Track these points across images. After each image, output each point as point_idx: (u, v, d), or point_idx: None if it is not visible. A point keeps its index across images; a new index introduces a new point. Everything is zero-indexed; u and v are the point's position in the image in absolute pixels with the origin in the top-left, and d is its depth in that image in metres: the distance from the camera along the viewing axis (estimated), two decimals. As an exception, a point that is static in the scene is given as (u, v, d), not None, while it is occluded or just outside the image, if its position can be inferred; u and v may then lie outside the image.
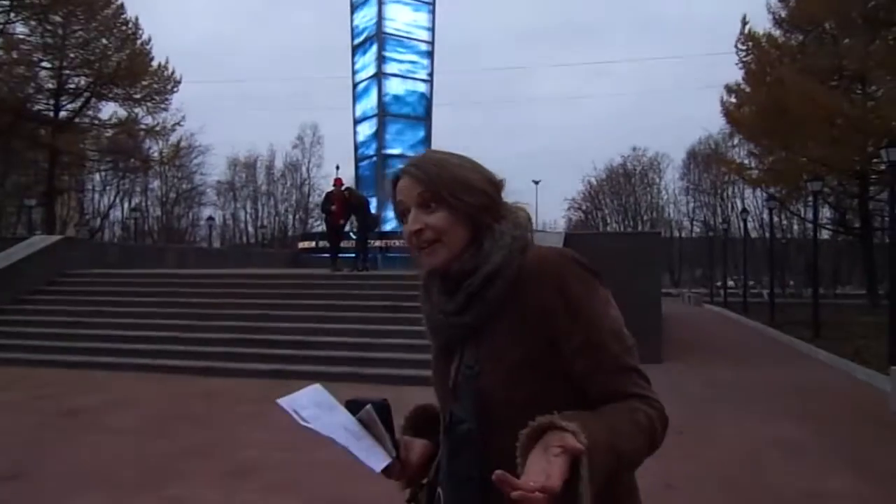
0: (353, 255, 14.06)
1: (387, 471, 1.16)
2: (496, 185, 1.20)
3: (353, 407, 1.19)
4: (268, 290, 12.22)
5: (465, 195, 1.15)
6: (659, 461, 4.45)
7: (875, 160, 14.46)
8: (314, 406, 1.20)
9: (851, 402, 7.83)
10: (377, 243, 16.81)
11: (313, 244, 18.95)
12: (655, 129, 71.33)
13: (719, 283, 31.34)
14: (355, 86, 20.75)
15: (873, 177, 20.53)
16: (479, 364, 1.12)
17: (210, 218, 36.79)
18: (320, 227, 14.80)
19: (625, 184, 54.13)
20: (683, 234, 52.44)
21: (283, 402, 1.19)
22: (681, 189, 52.54)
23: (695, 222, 52.04)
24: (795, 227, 41.93)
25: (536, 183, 52.60)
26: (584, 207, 56.26)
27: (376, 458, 1.14)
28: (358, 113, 20.62)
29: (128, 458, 5.25)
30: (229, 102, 73.10)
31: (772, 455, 5.47)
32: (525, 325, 1.09)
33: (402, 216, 1.21)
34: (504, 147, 75.72)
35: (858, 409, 7.42)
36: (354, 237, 14.09)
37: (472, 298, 1.13)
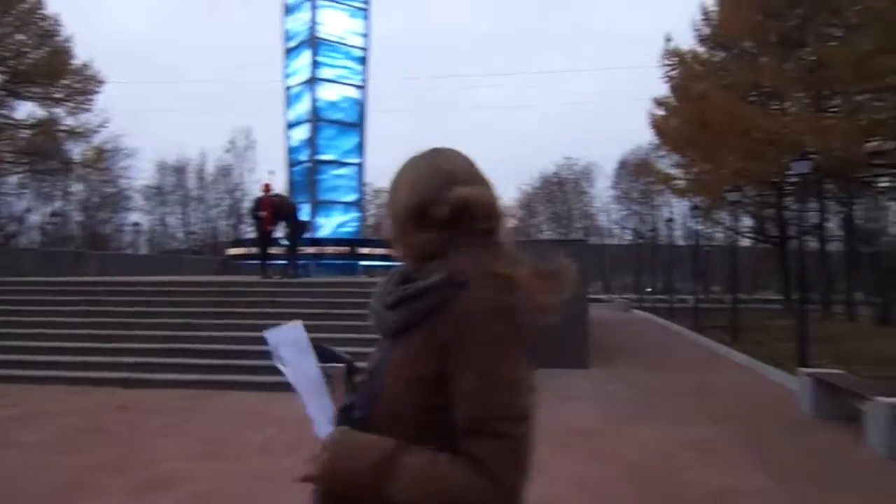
0: (284, 261, 13.84)
1: None
2: (421, 210, 1.19)
3: (323, 355, 1.24)
4: (194, 298, 11.89)
5: (398, 209, 1.22)
6: (575, 464, 4.58)
7: (788, 172, 15.26)
8: (292, 345, 1.23)
9: (763, 402, 8.22)
10: (310, 250, 16.59)
11: (244, 251, 18.55)
12: (588, 139, 73.17)
13: (649, 289, 32.37)
14: (288, 90, 20.49)
15: (788, 188, 21.64)
16: (387, 362, 1.17)
17: (136, 223, 35.53)
18: (252, 233, 14.55)
19: (558, 192, 55.29)
20: (615, 242, 53.90)
21: (270, 335, 1.24)
22: (612, 198, 54.04)
23: (625, 230, 53.58)
24: (718, 234, 43.82)
25: (472, 190, 52.90)
26: (519, 215, 56.97)
27: (324, 424, 1.17)
28: (291, 117, 20.34)
29: (38, 475, 5.01)
30: (157, 104, 70.81)
31: (685, 454, 5.69)
32: (427, 349, 1.12)
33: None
34: (441, 154, 75.77)
35: (769, 409, 7.79)
36: (285, 244, 13.87)
37: (402, 302, 1.17)
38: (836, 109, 16.73)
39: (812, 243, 26.74)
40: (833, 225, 27.39)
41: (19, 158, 28.73)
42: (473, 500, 1.03)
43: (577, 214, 55.51)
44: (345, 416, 1.18)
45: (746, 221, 33.44)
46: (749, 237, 33.07)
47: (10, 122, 26.29)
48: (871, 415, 5.86)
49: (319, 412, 1.18)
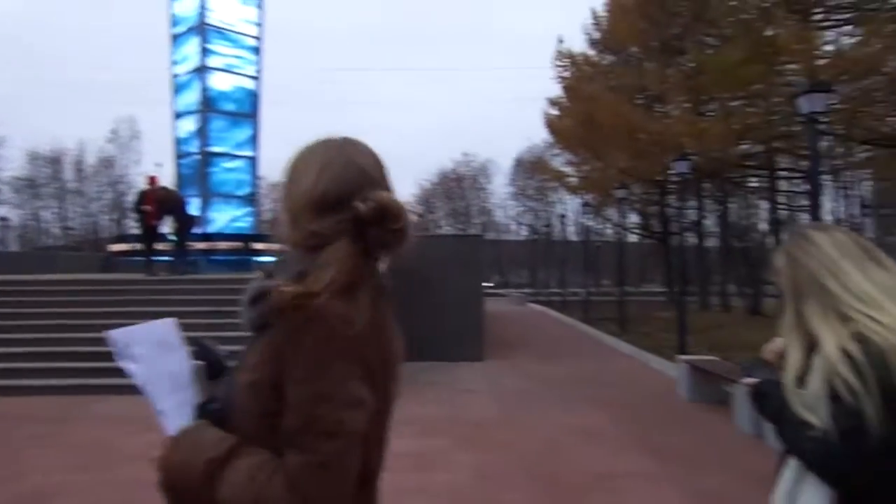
0: (172, 258, 13.21)
1: None
2: (327, 199, 1.13)
3: (200, 353, 1.22)
4: (71, 298, 11.12)
5: (289, 201, 1.18)
6: (474, 455, 4.68)
7: (670, 171, 16.19)
8: (152, 344, 1.18)
9: (646, 389, 8.70)
10: (200, 246, 15.91)
11: (128, 247, 17.53)
12: (486, 136, 74.55)
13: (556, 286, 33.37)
14: (175, 78, 19.50)
15: (670, 186, 22.96)
16: (242, 360, 1.16)
17: (4, 218, 32.76)
18: (137, 228, 13.69)
19: (456, 188, 56.02)
20: (511, 238, 55.29)
21: (119, 333, 1.17)
22: (509, 194, 55.37)
23: (522, 226, 55.05)
24: (609, 230, 45.88)
25: (372, 186, 52.66)
26: (417, 211, 57.31)
27: (178, 420, 1.14)
28: (179, 107, 19.39)
29: None
30: (29, 90, 65.56)
31: (572, 440, 5.95)
32: (268, 353, 1.08)
33: None
34: (340, 149, 74.83)
35: (651, 395, 8.26)
36: (173, 239, 13.23)
37: (255, 300, 1.16)
38: (712, 114, 17.90)
39: (692, 239, 28.61)
40: (710, 222, 29.37)
41: None
42: None
43: (475, 210, 56.49)
44: (201, 409, 1.17)
45: (633, 218, 35.28)
46: (636, 233, 34.87)
47: None
48: (739, 397, 6.34)
49: (176, 409, 1.15)
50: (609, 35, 25.24)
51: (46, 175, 47.19)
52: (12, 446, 5.81)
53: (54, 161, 46.99)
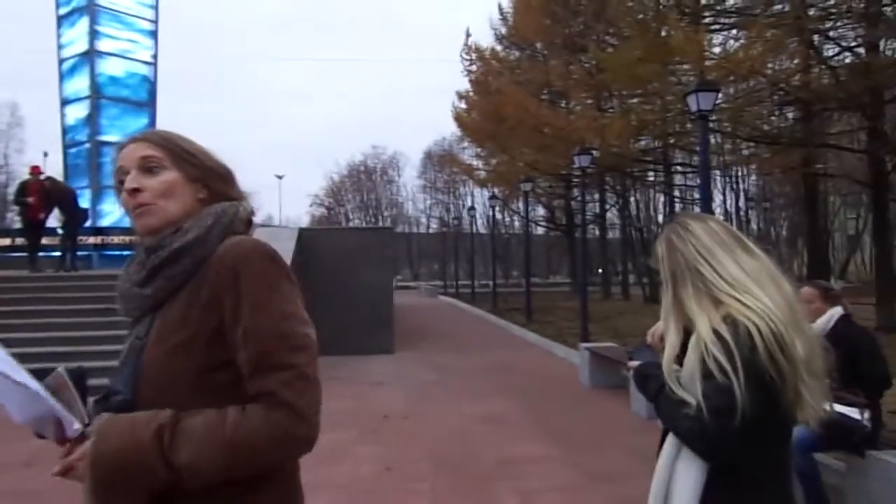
0: (60, 252, 12.39)
1: (73, 444, 1.09)
2: (224, 170, 1.24)
3: (42, 376, 1.09)
4: (-57, 297, 10.23)
5: (196, 160, 1.19)
6: (380, 447, 4.65)
7: (573, 165, 16.69)
8: None
9: (550, 376, 8.96)
10: (91, 240, 15.01)
11: (10, 241, 16.29)
12: (395, 129, 74.37)
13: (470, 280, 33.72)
14: (62, 62, 18.21)
15: (574, 180, 23.71)
16: (147, 337, 1.12)
17: None
18: (19, 221, 12.71)
19: (366, 181, 55.59)
20: (422, 230, 55.47)
21: None
22: (418, 187, 55.48)
23: (432, 218, 55.34)
24: (516, 223, 46.88)
25: (280, 178, 51.49)
26: (327, 203, 56.56)
27: (72, 426, 1.07)
28: (66, 93, 18.10)
29: None
30: None
31: (478, 429, 6.05)
32: (196, 308, 1.09)
33: (120, 183, 1.18)
34: (244, 139, 72.76)
35: (555, 382, 8.51)
36: (61, 233, 12.41)
37: (156, 272, 1.13)
38: (612, 110, 18.60)
39: (595, 231, 29.70)
40: (612, 214, 30.58)
41: None
42: (278, 433, 1.02)
43: (385, 203, 56.26)
44: (104, 404, 1.11)
45: (540, 211, 36.24)
46: (542, 225, 35.83)
47: None
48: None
49: (51, 420, 1.08)
50: (515, 30, 25.74)
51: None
52: None
53: (-77, 148, 43.00)
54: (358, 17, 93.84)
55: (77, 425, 1.08)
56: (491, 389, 7.99)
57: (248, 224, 1.23)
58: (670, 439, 1.43)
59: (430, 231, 54.31)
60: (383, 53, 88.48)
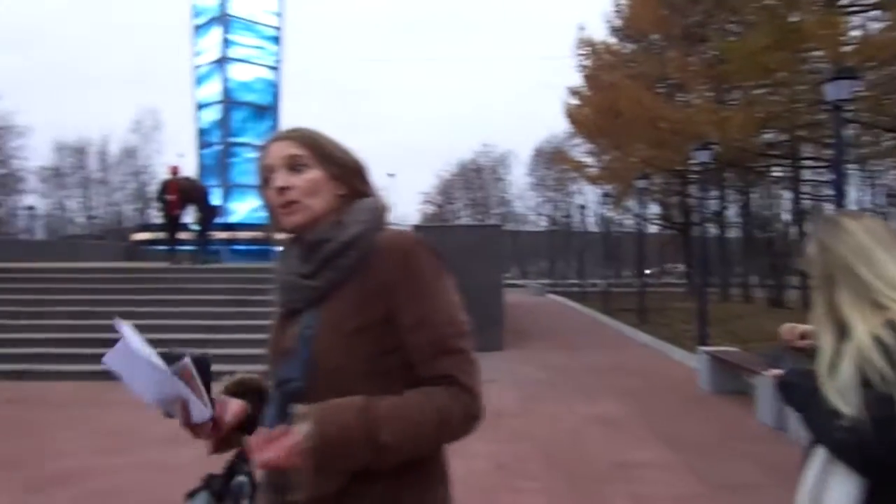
0: (194, 247, 13.34)
1: (198, 428, 1.17)
2: (360, 167, 1.29)
3: (168, 360, 1.17)
4: (96, 286, 11.30)
5: (338, 158, 1.24)
6: (491, 444, 4.65)
7: (691, 161, 16.01)
8: (127, 360, 1.15)
9: (666, 380, 8.65)
10: (222, 235, 16.07)
11: (151, 236, 17.75)
12: (505, 126, 74.19)
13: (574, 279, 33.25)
14: (196, 69, 19.63)
15: (691, 176, 22.72)
16: (316, 328, 1.16)
17: (31, 207, 33.22)
18: (160, 217, 13.92)
19: (475, 179, 55.83)
20: (531, 228, 55.04)
21: (107, 359, 1.16)
22: (528, 185, 55.08)
23: (541, 216, 54.78)
24: (629, 220, 45.56)
25: (391, 176, 52.81)
26: (437, 201, 57.34)
27: (199, 411, 1.14)
28: (200, 98, 19.54)
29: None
30: (55, 81, 66.37)
31: (591, 430, 5.94)
32: (367, 296, 1.15)
33: (266, 182, 1.24)
34: (358, 139, 75.04)
35: (672, 386, 8.21)
36: (195, 228, 13.36)
37: (325, 264, 1.18)
38: (734, 102, 17.65)
39: (713, 229, 28.30)
40: (732, 212, 29.03)
41: None
42: (457, 411, 1.12)
43: (494, 201, 56.25)
44: (281, 393, 1.17)
45: (654, 208, 34.98)
46: (656, 224, 34.58)
47: None
48: (760, 389, 6.28)
49: (183, 405, 1.15)
50: (630, 22, 24.91)
51: (71, 165, 47.81)
52: (38, 429, 5.94)
53: (79, 151, 47.58)
54: (465, 16, 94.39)
55: (206, 411, 1.15)
56: (603, 390, 7.83)
57: None
58: (821, 452, 1.34)
59: (539, 229, 53.80)
60: (492, 51, 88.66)
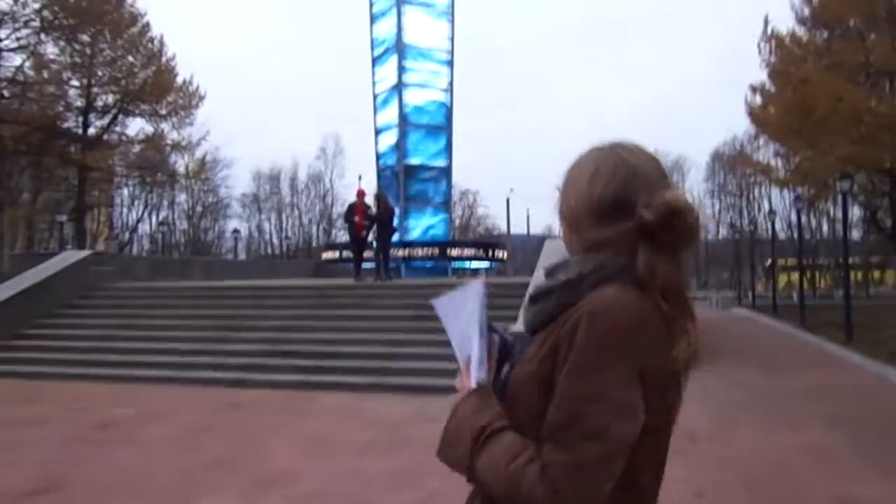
0: (375, 264, 14.12)
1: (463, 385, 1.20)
2: (595, 213, 1.12)
3: (490, 329, 1.26)
4: (293, 301, 12.34)
5: (564, 206, 1.18)
6: (688, 469, 4.38)
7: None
8: (455, 307, 1.24)
9: (885, 406, 7.66)
10: (399, 253, 16.86)
11: (337, 254, 19.09)
12: (676, 131, 70.77)
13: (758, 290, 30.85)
14: (375, 97, 20.90)
15: (904, 175, 20.13)
16: (522, 355, 1.15)
17: (235, 230, 37.17)
18: (343, 237, 14.96)
19: (649, 187, 53.76)
20: (710, 237, 51.78)
21: (436, 302, 1.26)
22: (706, 191, 51.99)
23: (721, 224, 51.40)
24: (824, 226, 41.27)
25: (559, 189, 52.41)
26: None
27: (476, 371, 1.19)
28: (379, 123, 20.75)
29: (158, 471, 5.33)
30: (253, 115, 74.08)
31: (801, 461, 5.38)
32: (545, 350, 1.08)
33: None
34: (527, 151, 75.56)
35: (893, 413, 7.25)
36: (375, 246, 14.15)
37: (533, 300, 1.17)
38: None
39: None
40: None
41: (131, 172, 30.84)
42: (538, 499, 0.99)
43: (670, 209, 53.70)
44: (498, 378, 1.21)
45: (856, 212, 31.38)
46: (860, 228, 30.98)
47: (124, 138, 28.25)
48: None
49: (472, 366, 1.20)
50: (822, 8, 22.65)
51: (267, 191, 52.94)
52: (258, 433, 6.55)
53: (273, 178, 52.58)
54: (631, 17, 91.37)
55: (482, 377, 1.18)
56: (810, 416, 7.08)
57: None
58: None
59: (720, 238, 50.48)
60: (661, 51, 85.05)
